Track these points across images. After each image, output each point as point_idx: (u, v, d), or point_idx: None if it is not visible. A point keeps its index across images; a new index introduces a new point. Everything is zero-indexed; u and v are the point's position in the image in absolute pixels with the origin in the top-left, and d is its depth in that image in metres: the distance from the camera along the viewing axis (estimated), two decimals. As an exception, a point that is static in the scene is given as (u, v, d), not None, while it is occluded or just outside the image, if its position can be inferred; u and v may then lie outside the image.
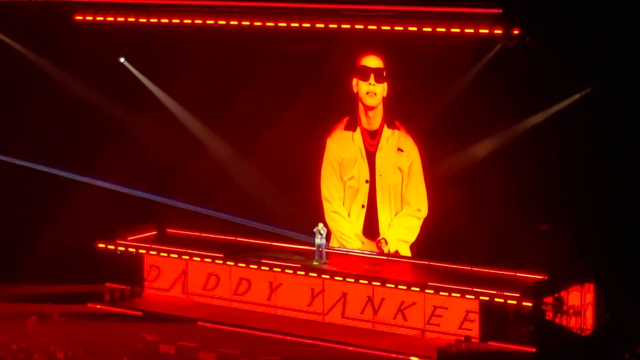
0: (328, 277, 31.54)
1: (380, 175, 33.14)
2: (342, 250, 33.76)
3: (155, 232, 36.00)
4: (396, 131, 32.87)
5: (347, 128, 33.72)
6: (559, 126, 29.55)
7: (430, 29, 30.28)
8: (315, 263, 32.41)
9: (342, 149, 33.86)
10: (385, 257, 33.17)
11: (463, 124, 31.15)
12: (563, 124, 29.43)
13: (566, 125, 29.34)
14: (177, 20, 33.29)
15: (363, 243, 33.44)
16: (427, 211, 32.51)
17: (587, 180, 28.92)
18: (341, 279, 31.38)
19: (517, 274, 30.75)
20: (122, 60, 35.28)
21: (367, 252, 33.49)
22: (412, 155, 32.68)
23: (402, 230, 32.92)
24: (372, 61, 32.69)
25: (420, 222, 32.62)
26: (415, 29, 30.50)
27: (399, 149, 32.86)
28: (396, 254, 33.01)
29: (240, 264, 32.83)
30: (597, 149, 28.75)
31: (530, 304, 28.56)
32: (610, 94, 28.27)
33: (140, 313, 32.67)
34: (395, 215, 32.97)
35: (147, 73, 35.37)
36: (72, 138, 34.84)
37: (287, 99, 33.43)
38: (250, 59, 33.77)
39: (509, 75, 29.78)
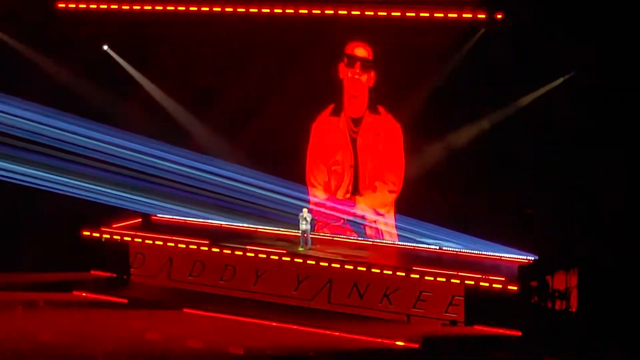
0: (313, 262, 31.57)
1: (361, 161, 33.34)
2: (327, 236, 33.86)
3: (140, 220, 36.04)
4: (377, 117, 32.95)
5: (332, 114, 33.81)
6: (542, 111, 29.63)
7: (413, 14, 30.37)
8: (301, 249, 32.47)
9: (327, 135, 33.97)
10: (370, 242, 33.33)
11: (446, 108, 31.22)
12: (546, 109, 29.51)
13: (549, 109, 29.43)
14: (160, 7, 33.32)
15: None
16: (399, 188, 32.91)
17: (572, 163, 29.05)
18: (327, 264, 31.43)
19: (502, 258, 30.98)
20: (105, 48, 35.23)
21: (352, 238, 33.66)
22: (390, 137, 32.86)
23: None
24: (359, 50, 32.70)
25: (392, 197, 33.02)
26: (398, 14, 30.59)
27: (378, 134, 33.05)
28: (382, 239, 33.24)
29: (225, 251, 32.84)
30: (580, 134, 28.88)
31: (515, 288, 28.67)
32: (594, 78, 28.36)
33: (126, 300, 32.64)
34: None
35: (132, 61, 35.31)
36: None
37: (273, 86, 33.47)
38: (236, 46, 33.75)
39: (492, 60, 29.85)
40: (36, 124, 33.71)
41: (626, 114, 28.24)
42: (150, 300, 32.43)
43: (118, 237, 34.34)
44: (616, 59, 28.04)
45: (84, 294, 33.12)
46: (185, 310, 31.59)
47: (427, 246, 32.69)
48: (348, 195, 33.74)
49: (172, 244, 33.53)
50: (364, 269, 30.88)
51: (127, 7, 33.58)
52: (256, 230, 34.83)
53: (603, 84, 28.19)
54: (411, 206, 32.62)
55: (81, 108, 34.31)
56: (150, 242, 33.97)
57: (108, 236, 34.37)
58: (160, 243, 33.77)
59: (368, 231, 33.52)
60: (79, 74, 34.58)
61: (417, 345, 28.26)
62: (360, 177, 33.62)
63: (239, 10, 32.42)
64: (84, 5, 33.94)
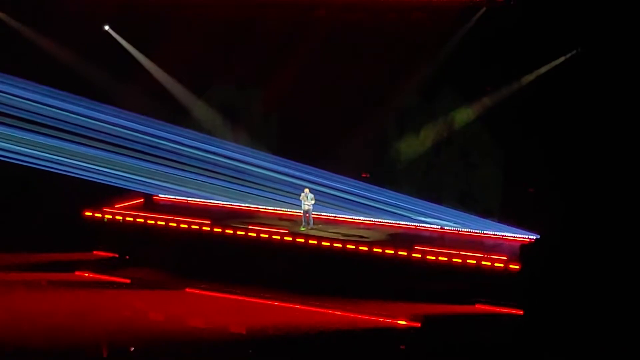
0: (315, 242, 31.57)
1: None
2: (328, 215, 33.89)
3: (143, 200, 36.08)
4: None
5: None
6: (544, 89, 29.62)
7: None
8: (303, 229, 32.50)
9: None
10: (372, 222, 33.34)
11: (448, 87, 31.25)
12: (549, 87, 29.49)
13: (552, 88, 29.42)
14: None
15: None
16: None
17: (574, 142, 29.04)
18: (328, 244, 31.43)
19: (504, 237, 31.00)
20: (106, 27, 35.20)
21: (354, 218, 33.69)
22: None
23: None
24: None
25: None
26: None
27: None
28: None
29: (227, 231, 32.86)
30: (583, 111, 28.86)
31: (517, 267, 28.68)
32: (597, 55, 28.32)
33: (128, 280, 32.68)
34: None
35: (132, 41, 35.28)
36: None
37: (273, 68, 33.58)
38: (239, 26, 33.77)
39: (494, 38, 29.81)
40: (37, 104, 33.70)
41: (630, 93, 28.22)
42: (153, 280, 32.47)
43: (120, 218, 34.39)
44: (619, 36, 27.98)
45: (86, 274, 33.15)
46: (187, 290, 31.59)
47: (429, 225, 32.74)
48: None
49: (174, 224, 33.56)
50: (366, 248, 30.89)
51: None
52: (258, 210, 34.86)
53: (606, 62, 28.14)
54: (413, 185, 32.65)
55: (82, 88, 34.30)
56: (153, 222, 34.00)
57: (110, 216, 34.41)
58: (163, 223, 33.80)
59: None
60: (80, 54, 34.55)
61: (419, 325, 28.29)
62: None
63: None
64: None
